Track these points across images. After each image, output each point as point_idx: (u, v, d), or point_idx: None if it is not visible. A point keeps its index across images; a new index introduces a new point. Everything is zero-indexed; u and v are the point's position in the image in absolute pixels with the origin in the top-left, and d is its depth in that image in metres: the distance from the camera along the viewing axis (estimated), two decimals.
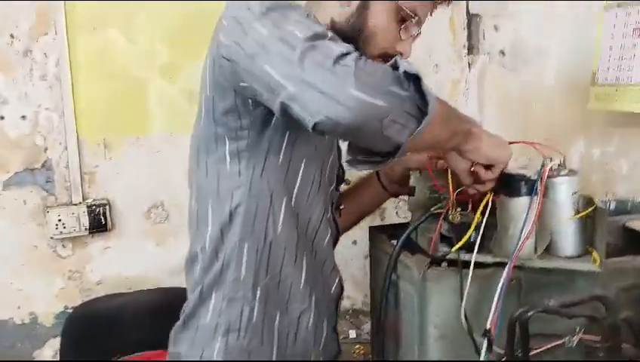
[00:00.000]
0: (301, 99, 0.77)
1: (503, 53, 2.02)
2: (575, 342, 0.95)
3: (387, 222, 2.10)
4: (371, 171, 1.25)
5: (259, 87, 0.84)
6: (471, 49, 2.16)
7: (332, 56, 0.77)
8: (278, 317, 1.03)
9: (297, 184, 1.00)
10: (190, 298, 1.05)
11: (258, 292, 1.00)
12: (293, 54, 0.78)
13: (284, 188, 0.99)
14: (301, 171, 1.00)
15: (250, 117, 0.94)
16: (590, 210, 0.94)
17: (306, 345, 1.07)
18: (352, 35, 0.96)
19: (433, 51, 2.16)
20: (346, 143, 0.89)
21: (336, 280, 1.13)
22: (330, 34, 0.82)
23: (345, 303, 2.18)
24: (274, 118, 0.94)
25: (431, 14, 1.06)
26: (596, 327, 0.94)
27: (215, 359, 1.00)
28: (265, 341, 1.02)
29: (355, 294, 2.16)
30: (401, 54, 1.02)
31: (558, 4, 1.74)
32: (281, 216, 0.99)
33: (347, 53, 0.78)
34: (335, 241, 1.14)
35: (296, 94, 0.77)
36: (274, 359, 1.03)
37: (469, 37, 2.15)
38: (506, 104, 2.02)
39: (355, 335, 1.96)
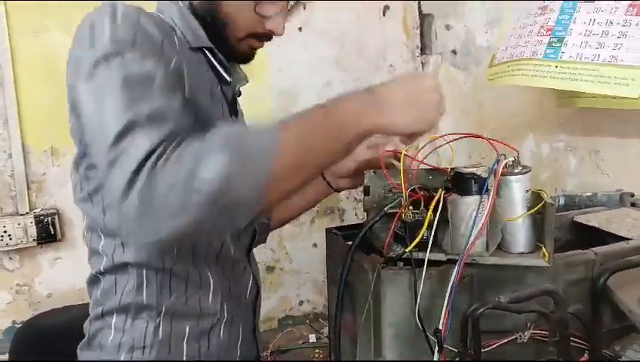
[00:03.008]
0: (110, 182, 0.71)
1: (454, 52, 2.05)
2: (526, 338, 0.96)
3: (347, 223, 2.10)
4: None
5: None
6: (424, 49, 2.18)
7: (129, 171, 0.67)
8: (187, 331, 0.99)
9: None
10: (92, 315, 1.01)
11: (163, 311, 0.97)
12: (106, 153, 0.71)
13: None
14: None
15: None
16: (540, 205, 0.96)
17: (220, 351, 1.03)
18: (210, 21, 0.94)
19: (387, 51, 2.18)
20: None
21: (250, 283, 1.10)
22: (151, 109, 0.73)
23: (305, 307, 2.17)
24: None
25: None
26: (545, 322, 0.96)
27: None
28: (173, 353, 0.98)
29: (316, 298, 2.16)
30: (273, 33, 0.99)
31: (506, 3, 1.78)
32: None
33: (147, 157, 0.68)
34: (251, 245, 1.11)
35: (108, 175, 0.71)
36: None
37: (422, 37, 2.18)
38: (459, 103, 2.05)
39: (315, 339, 1.95)
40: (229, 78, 1.03)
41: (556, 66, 1.25)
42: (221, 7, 0.95)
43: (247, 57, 1.05)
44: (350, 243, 1.13)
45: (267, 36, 1.01)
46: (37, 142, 1.71)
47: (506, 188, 0.96)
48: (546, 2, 1.35)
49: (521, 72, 1.34)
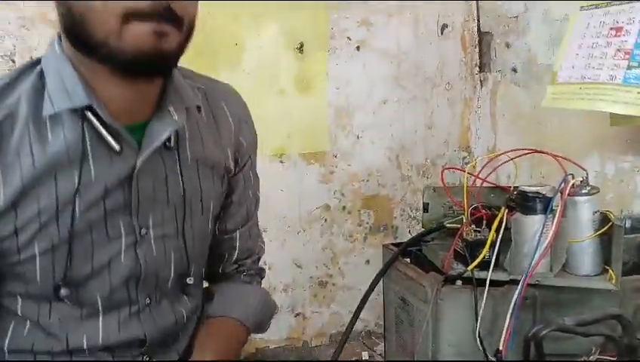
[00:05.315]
0: None
1: (515, 70, 2.02)
2: None
3: (400, 240, 2.09)
4: None
5: None
6: (483, 67, 2.16)
7: None
8: None
9: None
10: None
11: None
12: None
13: None
14: None
15: None
16: (607, 227, 0.93)
17: None
18: (71, 30, 0.71)
19: (445, 69, 2.17)
20: None
21: None
22: None
23: (358, 325, 2.16)
24: None
25: None
26: (613, 347, 0.92)
27: None
28: None
29: (369, 316, 2.14)
30: None
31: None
32: None
33: None
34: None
35: None
36: None
37: (481, 55, 2.16)
38: (519, 121, 2.02)
39: (367, 357, 1.94)
40: (116, 147, 0.75)
41: (638, 92, 1.20)
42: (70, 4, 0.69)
43: (146, 55, 0.68)
44: (407, 259, 1.14)
45: (146, 12, 0.66)
46: None
47: (573, 208, 0.95)
48: (619, 22, 1.31)
49: (599, 96, 1.28)
